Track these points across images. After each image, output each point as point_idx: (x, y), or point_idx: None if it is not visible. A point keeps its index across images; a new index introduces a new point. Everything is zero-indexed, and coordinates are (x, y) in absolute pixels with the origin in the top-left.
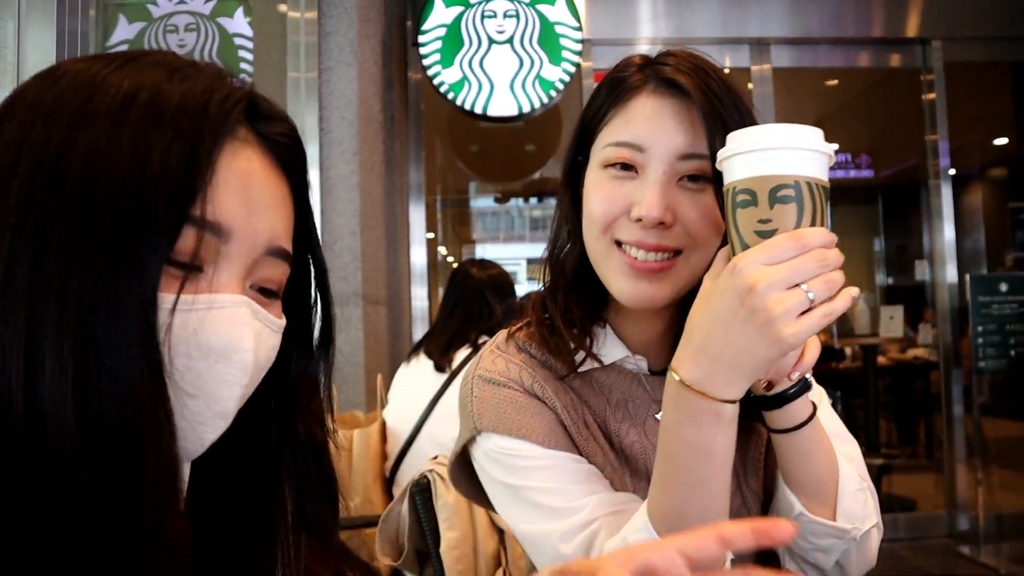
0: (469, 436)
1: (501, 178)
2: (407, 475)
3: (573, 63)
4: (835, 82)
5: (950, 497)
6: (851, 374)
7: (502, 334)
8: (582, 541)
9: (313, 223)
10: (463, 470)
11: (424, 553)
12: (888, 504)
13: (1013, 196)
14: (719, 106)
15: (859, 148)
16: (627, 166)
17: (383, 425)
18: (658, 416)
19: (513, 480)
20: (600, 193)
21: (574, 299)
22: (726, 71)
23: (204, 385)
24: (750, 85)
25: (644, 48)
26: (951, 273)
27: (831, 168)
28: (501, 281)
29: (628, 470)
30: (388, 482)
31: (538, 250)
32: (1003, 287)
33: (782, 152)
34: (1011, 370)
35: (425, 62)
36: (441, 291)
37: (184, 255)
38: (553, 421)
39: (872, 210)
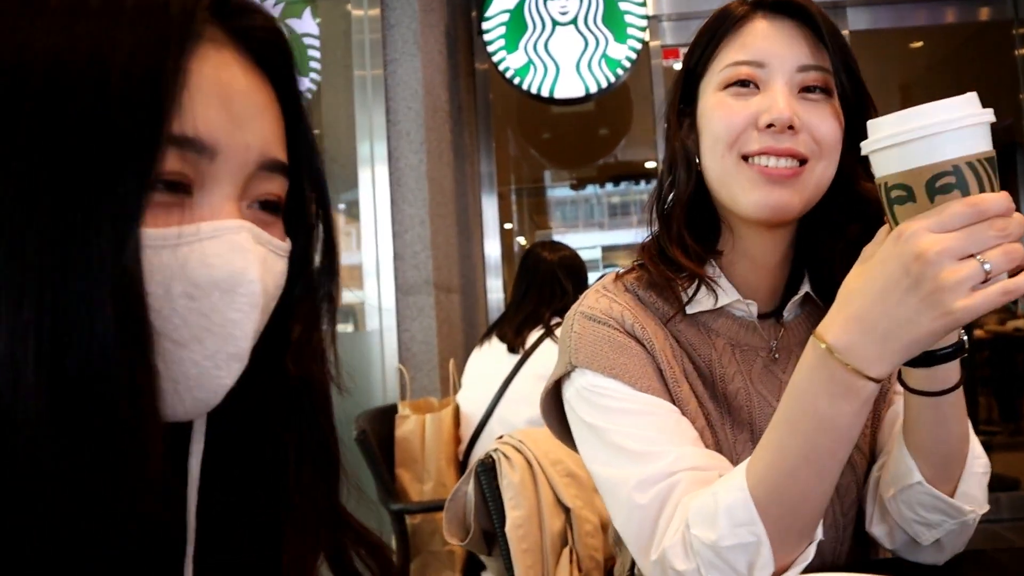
0: (564, 371)
1: (575, 164)
2: (480, 457)
3: (639, 40)
4: (920, 43)
5: None
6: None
7: (610, 275)
8: (659, 492)
9: (308, 130)
10: (553, 406)
11: (490, 533)
12: (990, 483)
13: None
14: (832, 22)
15: None
16: (746, 83)
17: (456, 409)
18: (772, 360)
19: (600, 420)
20: (723, 110)
21: (689, 233)
22: None
23: (211, 326)
24: None
25: None
26: None
27: None
28: (572, 262)
29: (730, 419)
30: (462, 465)
31: (616, 237)
32: None
33: (931, 139)
34: None
35: (490, 48)
36: None
37: (167, 178)
38: (649, 364)
39: None
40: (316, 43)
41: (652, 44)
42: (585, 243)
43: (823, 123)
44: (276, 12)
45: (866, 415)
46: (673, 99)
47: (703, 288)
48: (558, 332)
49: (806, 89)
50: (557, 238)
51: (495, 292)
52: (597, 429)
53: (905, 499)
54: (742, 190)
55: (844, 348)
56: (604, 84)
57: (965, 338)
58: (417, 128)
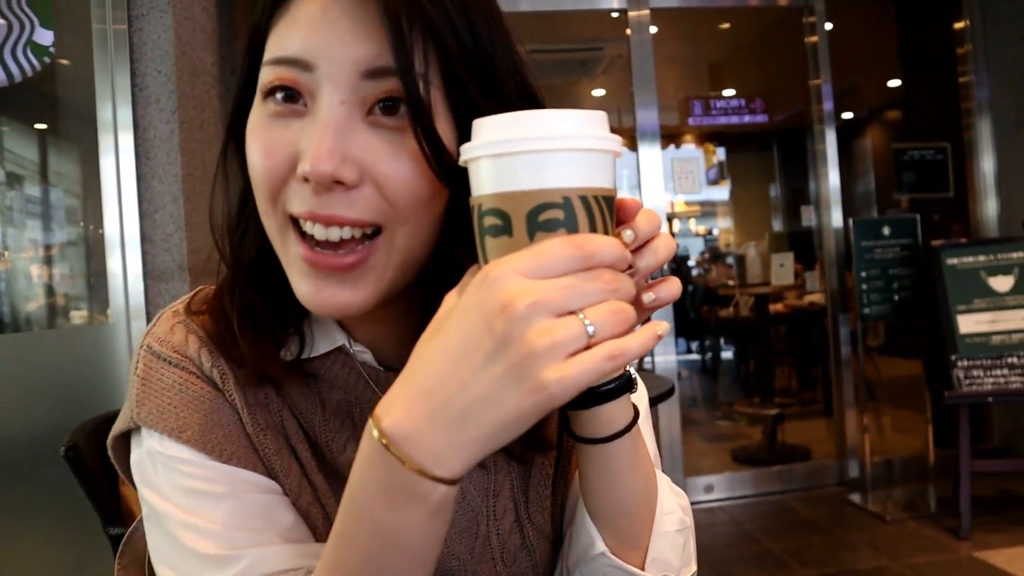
0: (128, 426)
1: None
2: None
3: None
4: (727, 25)
5: (840, 445)
6: (745, 322)
7: (204, 290)
8: None
9: None
10: (126, 456)
11: None
12: (783, 454)
13: (901, 138)
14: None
15: (754, 93)
16: (291, 94)
17: None
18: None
19: (165, 503)
20: (259, 142)
21: (259, 298)
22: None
23: None
24: (628, 31)
25: None
26: (836, 218)
27: (725, 113)
28: None
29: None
30: None
31: None
32: (885, 231)
33: (540, 156)
34: (895, 315)
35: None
36: None
37: None
38: (234, 424)
39: (768, 156)
40: None
41: None
42: None
43: (393, 173)
44: None
45: (444, 526)
46: (235, 94)
47: (300, 335)
48: None
49: (383, 107)
50: None
51: None
52: (160, 514)
53: (591, 574)
54: (291, 271)
55: (404, 438)
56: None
57: (633, 372)
58: (168, 94)
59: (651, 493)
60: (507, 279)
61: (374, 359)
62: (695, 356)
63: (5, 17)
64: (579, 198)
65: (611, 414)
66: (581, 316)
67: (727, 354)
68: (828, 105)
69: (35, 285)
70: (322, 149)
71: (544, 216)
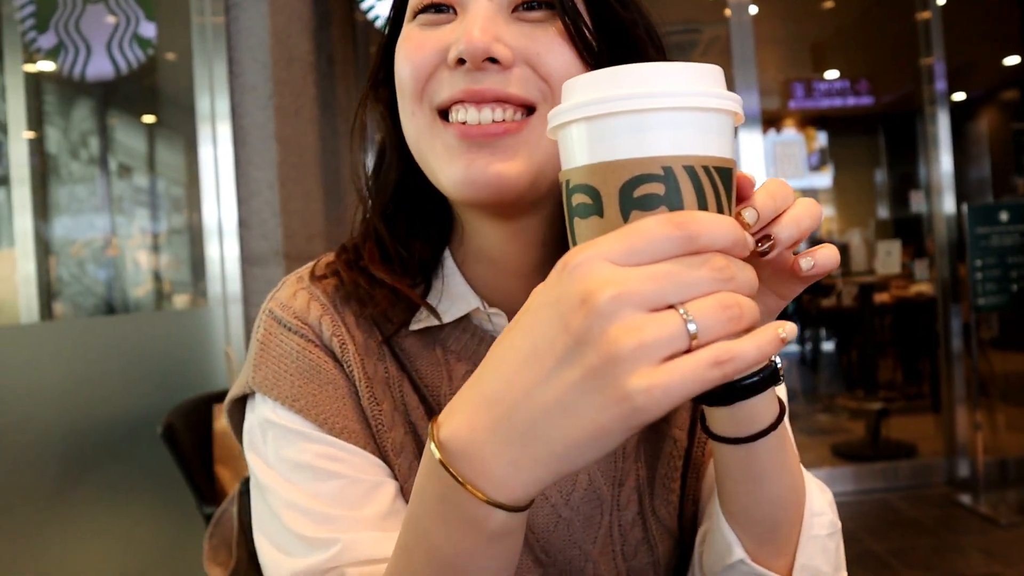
0: (243, 390)
1: None
2: None
3: None
4: (831, 3)
5: (949, 442)
6: (849, 312)
7: (327, 256)
8: None
9: None
10: (241, 421)
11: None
12: (887, 450)
13: (1021, 119)
14: None
15: (858, 74)
16: (441, 7)
17: None
18: None
19: (270, 476)
20: (407, 45)
21: (399, 233)
22: None
23: None
24: (727, 11)
25: None
26: (948, 204)
27: (828, 95)
28: None
29: None
30: None
31: None
32: (1003, 216)
33: (633, 117)
34: (1012, 307)
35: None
36: None
37: None
38: (347, 397)
39: (873, 139)
40: None
41: None
42: None
43: (549, 49)
44: None
45: (510, 555)
46: (378, 48)
47: (432, 299)
48: None
49: (523, 7)
50: None
51: None
52: (263, 486)
53: None
54: (438, 159)
55: (461, 452)
56: None
57: (778, 361)
58: (264, 81)
59: (799, 494)
60: (590, 267)
61: (508, 322)
62: (795, 347)
63: (112, 11)
64: (684, 168)
65: (753, 410)
66: (682, 312)
67: (828, 345)
68: (940, 85)
69: (142, 271)
70: (474, 28)
71: (640, 191)
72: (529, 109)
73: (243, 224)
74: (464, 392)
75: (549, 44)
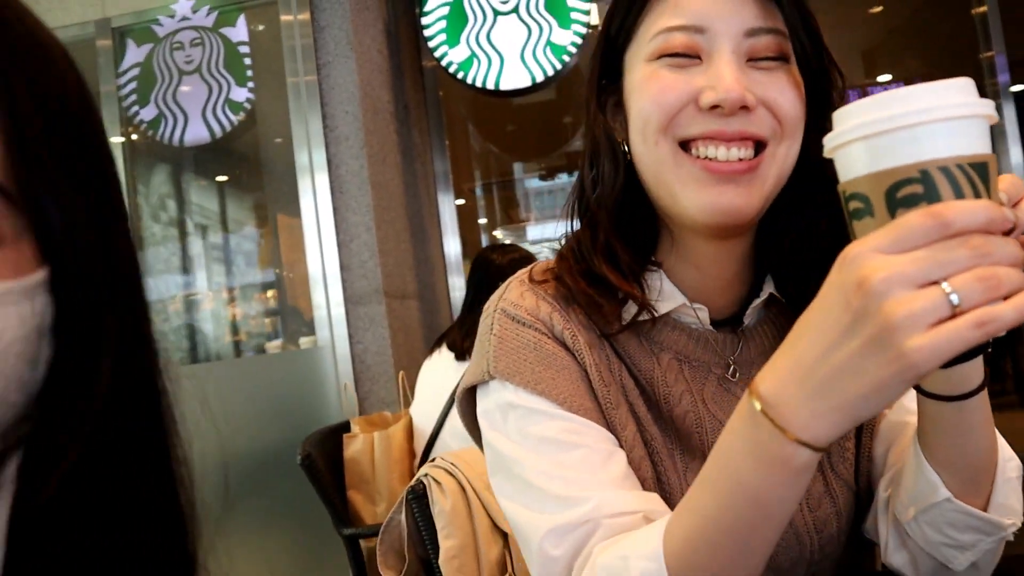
0: (480, 378)
1: (542, 154)
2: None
3: (584, 24)
4: (879, 8)
5: None
6: None
7: (540, 264)
8: (574, 542)
9: (81, 128)
10: (470, 411)
11: (429, 562)
12: None
13: None
14: None
15: (913, 75)
16: (685, 54)
17: (409, 423)
18: (728, 376)
19: (515, 449)
20: (656, 85)
21: (619, 240)
22: None
23: None
24: None
25: None
26: None
27: None
28: (524, 264)
29: (679, 446)
30: None
31: None
32: None
33: (896, 135)
34: None
35: (431, 43)
36: None
37: None
38: (581, 380)
39: None
40: (249, 51)
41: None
42: (559, 233)
43: (783, 95)
44: (209, 22)
45: (801, 489)
46: (592, 75)
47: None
48: None
49: (757, 57)
50: (532, 230)
51: (459, 292)
52: (510, 459)
53: (930, 520)
54: (684, 188)
55: (774, 403)
56: (551, 72)
57: None
58: (356, 132)
59: (994, 444)
60: (863, 257)
61: (709, 317)
62: None
63: (205, 80)
64: (939, 169)
65: (965, 373)
66: (944, 286)
67: None
68: (1004, 77)
69: (259, 318)
70: (731, 81)
71: (903, 192)
72: (759, 145)
73: (344, 267)
74: (774, 359)
75: (782, 90)
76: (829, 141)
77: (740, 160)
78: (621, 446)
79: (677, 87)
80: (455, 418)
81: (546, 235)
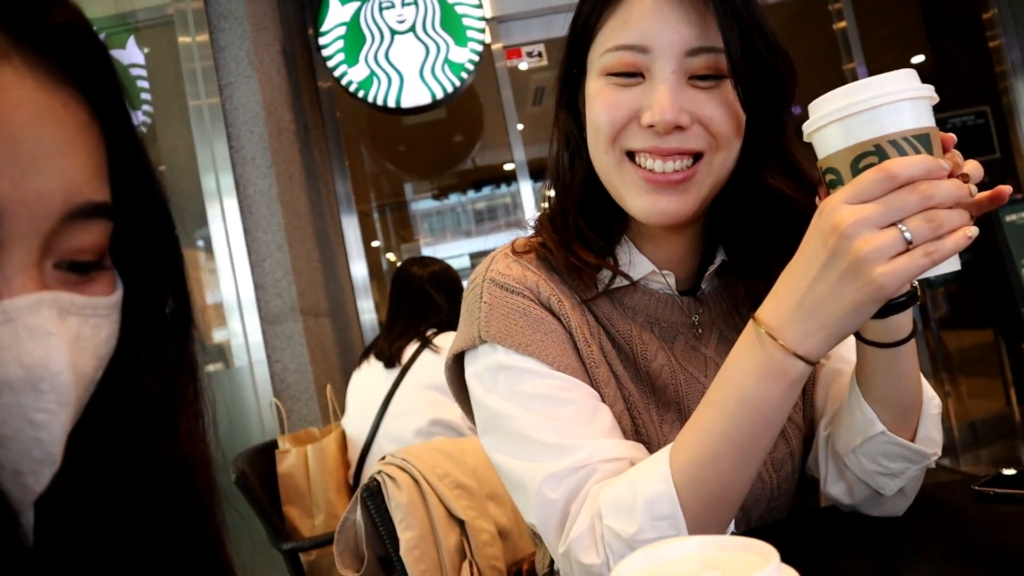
0: (470, 343)
1: (434, 174)
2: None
3: (480, 42)
4: None
5: None
6: None
7: (520, 240)
8: (571, 484)
9: (140, 150)
10: (457, 377)
11: (386, 559)
12: None
13: (938, 110)
14: None
15: None
16: (630, 73)
17: (341, 435)
18: (695, 335)
19: (508, 405)
20: (604, 101)
21: (584, 221)
22: None
23: (9, 431)
24: None
25: (554, 18)
26: None
27: None
28: (443, 276)
29: (655, 399)
30: (353, 490)
31: (485, 243)
32: None
33: (855, 118)
34: (959, 278)
35: (330, 64)
36: None
37: None
38: (566, 341)
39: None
40: (144, 73)
41: (495, 47)
42: (455, 252)
43: (717, 114)
44: None
45: (793, 399)
46: (561, 66)
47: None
48: (436, 342)
49: (697, 76)
50: (426, 250)
51: (367, 313)
52: (503, 416)
53: (866, 451)
54: (627, 193)
55: (775, 326)
56: (450, 89)
57: (916, 285)
58: (263, 151)
59: (920, 385)
60: (835, 208)
61: (675, 282)
62: None
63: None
64: (889, 142)
65: (899, 322)
66: (901, 227)
67: None
68: None
69: None
70: (666, 105)
71: (863, 163)
72: (696, 156)
73: (258, 287)
74: (772, 293)
75: (719, 109)
76: (808, 127)
77: (676, 171)
78: (604, 402)
79: (621, 104)
80: (388, 423)
81: (439, 254)
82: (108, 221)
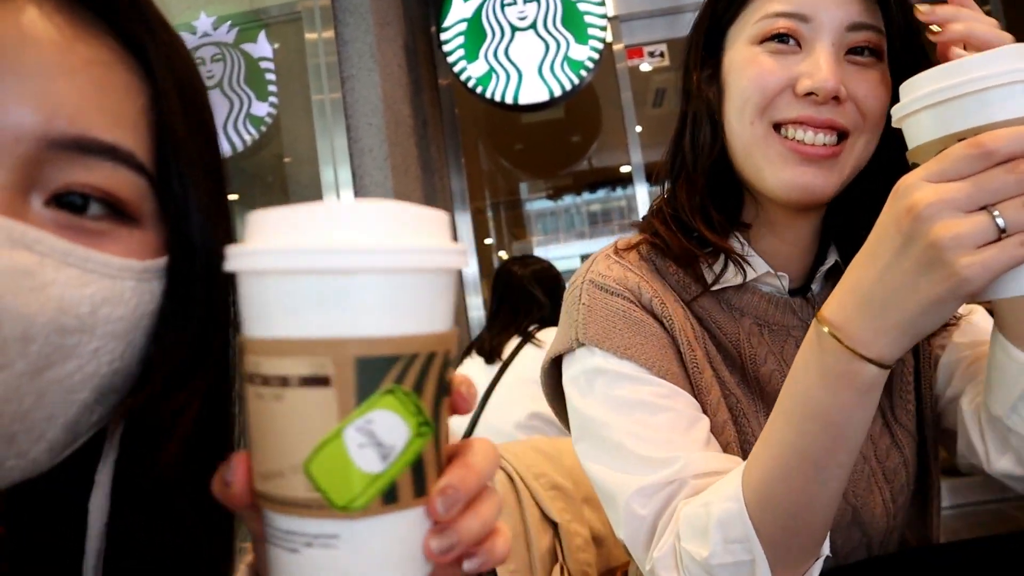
0: (567, 347)
1: (549, 174)
2: None
3: (600, 40)
4: None
5: None
6: None
7: (622, 241)
8: (660, 500)
9: (190, 106)
10: (552, 382)
11: None
12: None
13: None
14: None
15: None
16: (786, 38)
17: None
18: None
19: (604, 412)
20: (757, 68)
21: (712, 203)
22: None
23: None
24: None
25: (678, 17)
26: None
27: None
28: (545, 274)
29: (765, 406)
30: None
31: (598, 245)
32: None
33: (954, 104)
34: None
35: (450, 59)
36: None
37: None
38: (668, 345)
39: None
40: (272, 67)
41: (616, 46)
42: (567, 253)
43: (871, 93)
44: (230, 38)
45: (871, 407)
46: (693, 46)
47: (730, 264)
48: (538, 336)
49: (854, 51)
50: (539, 250)
51: (476, 310)
52: (598, 423)
53: None
54: (770, 165)
55: (839, 324)
56: (568, 87)
57: None
58: (380, 144)
59: None
60: (913, 186)
61: (788, 283)
62: None
63: (226, 95)
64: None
65: None
66: (994, 212)
67: None
68: None
69: None
70: (828, 73)
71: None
72: (842, 134)
73: None
74: (838, 286)
75: (873, 89)
76: (897, 111)
77: (824, 145)
78: (706, 411)
79: (777, 72)
80: (489, 414)
81: (550, 255)
82: (127, 169)
